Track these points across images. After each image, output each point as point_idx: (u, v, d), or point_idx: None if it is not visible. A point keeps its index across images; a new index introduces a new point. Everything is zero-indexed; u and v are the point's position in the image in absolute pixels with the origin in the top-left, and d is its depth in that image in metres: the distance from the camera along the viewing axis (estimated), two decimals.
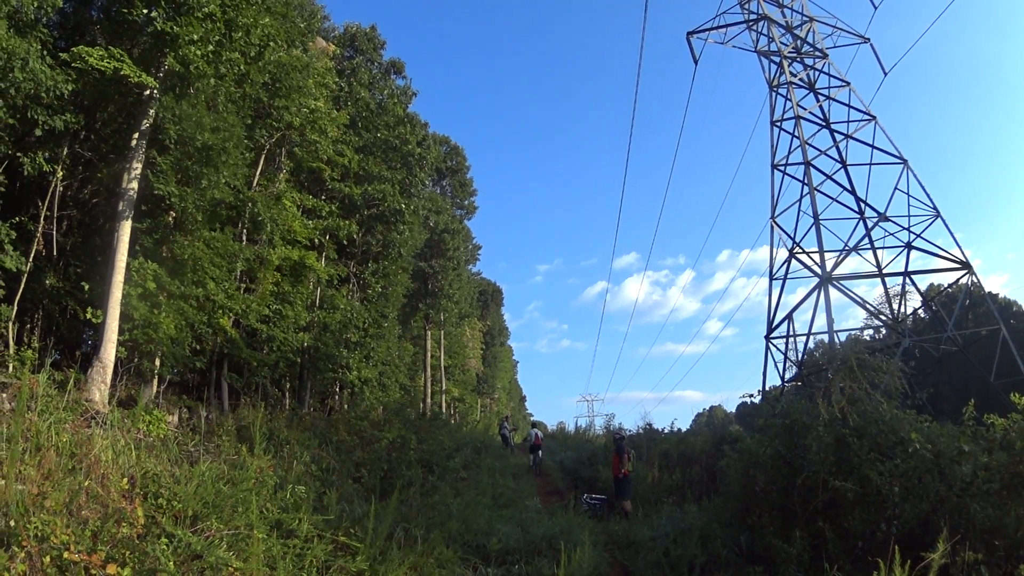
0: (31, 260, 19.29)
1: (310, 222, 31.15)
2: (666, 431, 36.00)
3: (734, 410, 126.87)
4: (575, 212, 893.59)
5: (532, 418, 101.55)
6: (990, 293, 48.16)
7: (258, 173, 28.70)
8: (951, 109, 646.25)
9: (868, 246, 37.05)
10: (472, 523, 16.20)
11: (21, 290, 18.94)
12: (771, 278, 39.00)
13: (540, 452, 39.19)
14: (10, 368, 16.56)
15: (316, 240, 32.31)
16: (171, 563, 8.02)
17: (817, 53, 42.80)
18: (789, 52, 42.33)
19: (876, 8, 46.57)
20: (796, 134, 38.97)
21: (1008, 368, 33.08)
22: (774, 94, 42.03)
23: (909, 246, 36.34)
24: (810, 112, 40.43)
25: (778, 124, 40.80)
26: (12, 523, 7.57)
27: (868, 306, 38.55)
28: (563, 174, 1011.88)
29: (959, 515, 10.83)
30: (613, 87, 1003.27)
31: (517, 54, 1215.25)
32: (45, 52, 17.35)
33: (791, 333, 36.73)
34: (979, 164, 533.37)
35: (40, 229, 19.93)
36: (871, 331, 52.17)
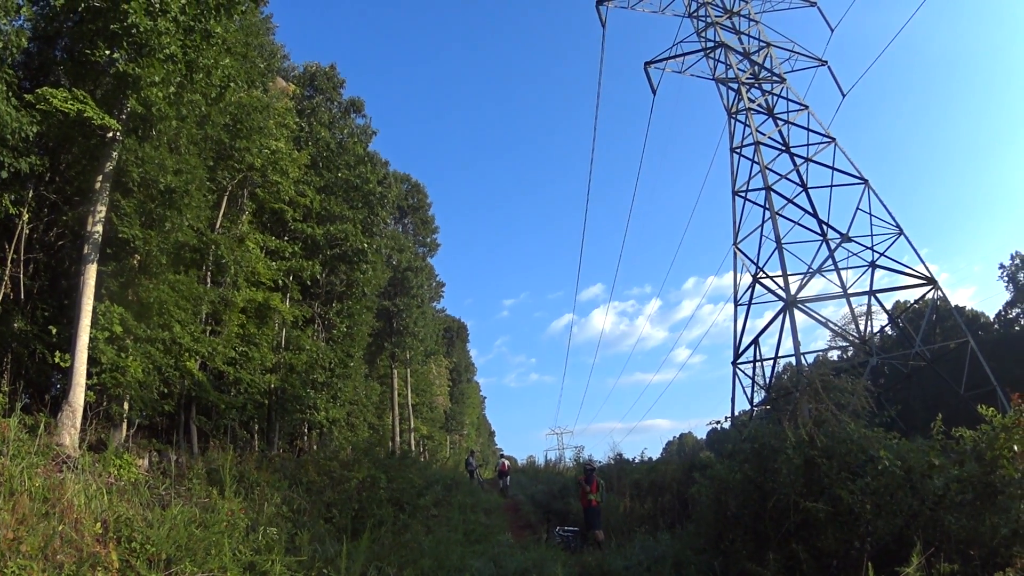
0: None
1: (273, 263, 31.10)
2: (637, 461, 36.18)
3: (704, 437, 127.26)
4: (540, 245, 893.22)
5: (501, 452, 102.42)
6: (957, 307, 48.54)
7: (221, 215, 28.64)
8: (913, 125, 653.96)
9: (832, 267, 37.33)
10: (444, 560, 16.17)
11: None
12: (736, 304, 39.22)
13: (508, 477, 47.71)
14: None
15: (280, 281, 32.25)
16: None
17: (775, 78, 43.22)
18: (747, 78, 42.77)
19: (833, 31, 47.41)
20: (756, 160, 39.32)
21: (979, 380, 33.38)
22: (733, 121, 42.41)
23: (873, 265, 36.65)
24: (769, 137, 40.85)
25: (737, 151, 41.15)
26: None
27: (832, 326, 38.93)
28: (526, 208, 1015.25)
29: (933, 528, 10.90)
30: (573, 119, 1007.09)
31: (475, 89, 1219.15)
32: (10, 93, 17.32)
33: (758, 358, 36.91)
34: (944, 178, 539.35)
35: (7, 272, 19.83)
36: (838, 351, 52.57)
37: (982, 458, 10.91)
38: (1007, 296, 70.12)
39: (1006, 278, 69.99)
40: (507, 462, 52.41)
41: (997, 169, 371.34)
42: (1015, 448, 10.51)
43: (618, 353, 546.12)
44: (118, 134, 19.52)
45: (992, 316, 71.93)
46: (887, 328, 42.43)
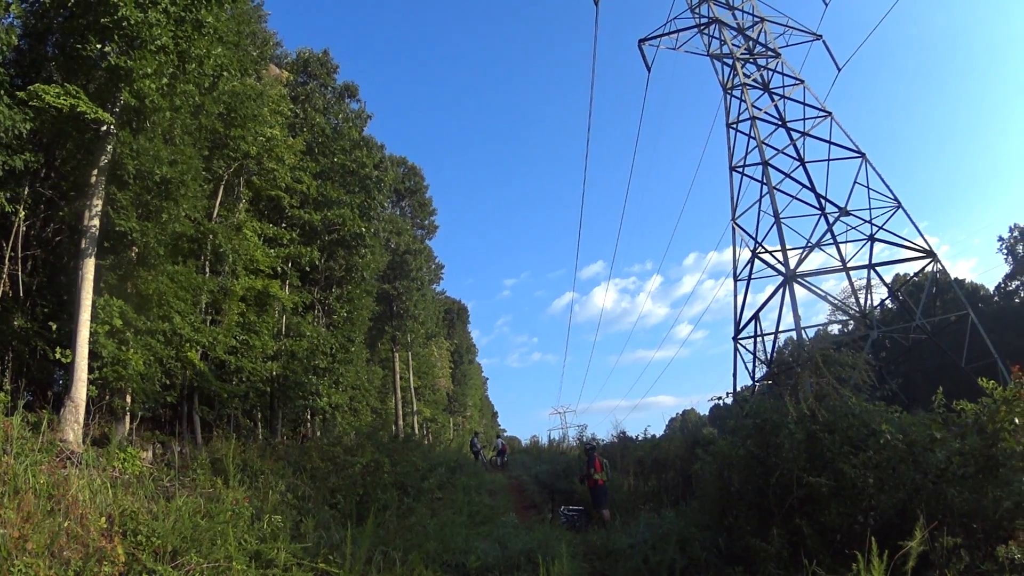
0: None
1: (272, 251, 31.10)
2: (640, 438, 36.09)
3: (707, 412, 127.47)
4: (539, 224, 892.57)
5: (505, 433, 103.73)
6: (956, 279, 48.59)
7: (217, 204, 28.66)
8: (910, 97, 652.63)
9: (831, 241, 37.34)
10: (450, 542, 16.16)
11: None
12: (735, 279, 39.28)
13: (505, 454, 53.26)
14: None
15: (279, 268, 32.28)
16: None
17: (769, 53, 43.22)
18: (741, 54, 42.74)
19: (827, 5, 47.06)
20: (752, 135, 39.34)
21: (979, 352, 33.42)
22: (728, 96, 42.41)
23: (872, 238, 36.63)
24: (765, 112, 40.82)
25: (734, 126, 41.16)
26: None
27: (831, 299, 39.01)
28: (525, 187, 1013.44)
29: (936, 501, 10.90)
30: (569, 98, 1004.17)
31: (469, 69, 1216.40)
32: (2, 91, 17.30)
33: (759, 333, 36.96)
34: (943, 150, 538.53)
35: (5, 270, 19.82)
36: (839, 325, 52.70)
37: (983, 431, 10.90)
38: (1007, 268, 70.13)
39: (1005, 250, 70.02)
40: (504, 442, 58.69)
41: (996, 141, 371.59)
42: (1016, 421, 10.51)
43: (620, 331, 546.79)
44: (112, 127, 19.51)
45: (992, 288, 72.02)
46: (887, 301, 42.47)
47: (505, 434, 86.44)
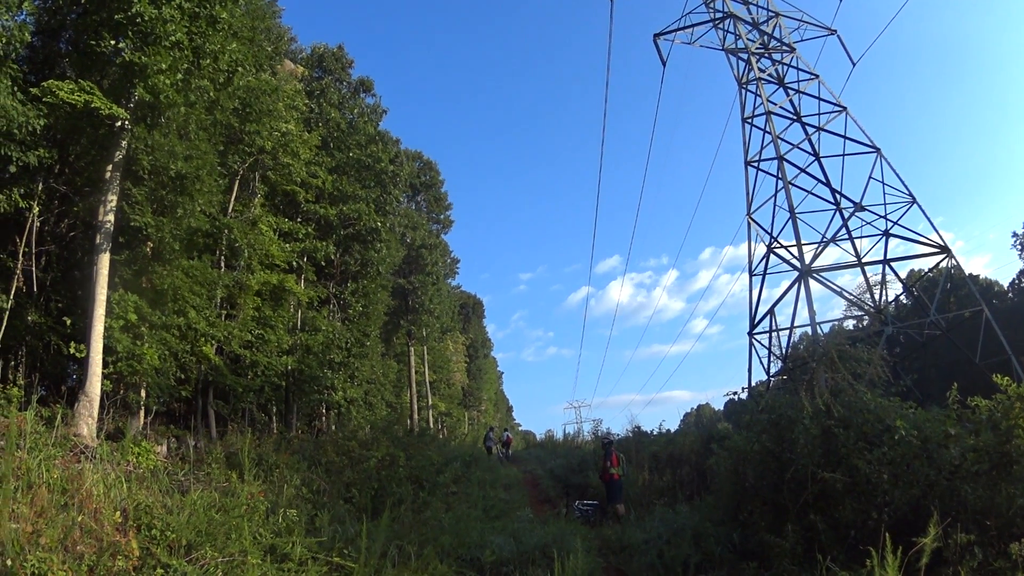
0: (12, 297, 19.24)
1: (287, 245, 31.10)
2: (655, 433, 36.01)
3: (722, 407, 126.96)
4: (556, 218, 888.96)
5: (520, 427, 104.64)
6: (971, 275, 48.34)
7: (233, 199, 28.68)
8: (925, 92, 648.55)
9: (846, 236, 37.23)
10: (465, 536, 16.12)
11: (3, 328, 18.89)
12: (751, 274, 39.14)
13: (510, 446, 55.40)
14: None
15: (294, 263, 32.36)
16: None
17: (784, 48, 42.98)
18: (756, 48, 42.52)
19: (841, 0, 46.86)
20: (768, 129, 39.17)
21: (994, 348, 33.23)
22: (744, 91, 42.25)
23: (887, 234, 36.47)
24: (780, 107, 40.66)
25: (749, 121, 40.98)
26: (9, 562, 7.57)
27: (847, 295, 38.88)
28: (540, 181, 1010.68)
29: (950, 498, 10.85)
30: (585, 90, 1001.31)
31: (486, 63, 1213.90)
32: (15, 88, 17.31)
33: (774, 328, 36.85)
34: (958, 145, 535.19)
35: (19, 266, 19.84)
36: (854, 320, 52.47)
37: (997, 428, 10.86)
38: (1021, 264, 69.86)
39: (1019, 246, 69.54)
40: (510, 435, 60.72)
41: (1011, 136, 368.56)
42: None
43: (635, 325, 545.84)
44: (127, 123, 19.52)
45: (1006, 284, 71.55)
46: (902, 297, 42.31)
47: (520, 428, 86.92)
